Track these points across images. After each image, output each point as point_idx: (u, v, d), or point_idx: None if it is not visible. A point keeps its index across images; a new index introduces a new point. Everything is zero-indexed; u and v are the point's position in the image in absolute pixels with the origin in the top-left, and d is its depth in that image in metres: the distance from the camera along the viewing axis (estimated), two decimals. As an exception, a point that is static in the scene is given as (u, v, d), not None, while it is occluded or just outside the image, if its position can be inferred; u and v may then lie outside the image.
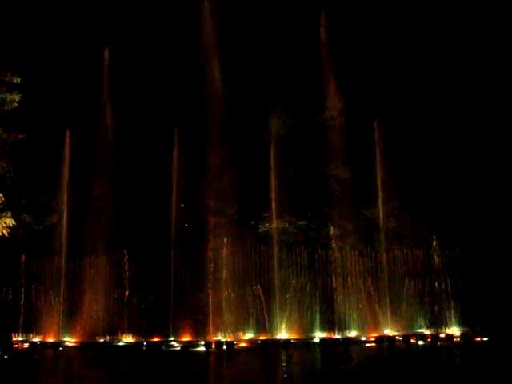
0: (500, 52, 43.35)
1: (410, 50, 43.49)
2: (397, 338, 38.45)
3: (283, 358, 30.22)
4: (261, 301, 39.56)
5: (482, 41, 43.47)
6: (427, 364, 25.72)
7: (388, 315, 40.12)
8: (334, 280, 40.34)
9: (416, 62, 43.42)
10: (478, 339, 37.82)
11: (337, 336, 39.07)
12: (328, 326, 39.92)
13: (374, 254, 41.58)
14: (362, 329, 39.90)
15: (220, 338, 36.88)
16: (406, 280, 40.30)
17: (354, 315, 40.25)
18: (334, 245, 41.99)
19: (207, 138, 41.90)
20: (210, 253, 39.84)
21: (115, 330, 38.58)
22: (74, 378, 22.27)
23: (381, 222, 42.88)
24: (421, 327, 39.97)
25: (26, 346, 36.34)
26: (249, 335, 38.72)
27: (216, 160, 41.51)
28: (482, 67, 43.18)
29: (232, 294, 39.17)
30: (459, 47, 43.52)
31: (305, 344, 37.10)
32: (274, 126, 44.77)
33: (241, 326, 38.76)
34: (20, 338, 37.29)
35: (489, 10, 43.31)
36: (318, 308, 40.01)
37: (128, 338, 38.38)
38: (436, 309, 40.17)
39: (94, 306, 38.70)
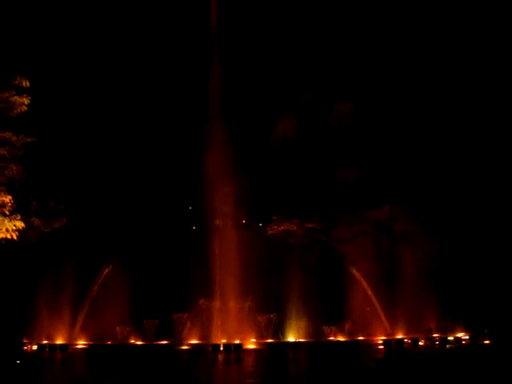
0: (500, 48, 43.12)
1: (419, 51, 43.36)
2: (405, 340, 38.42)
3: (291, 360, 30.33)
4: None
5: (480, 39, 43.26)
6: (434, 367, 25.71)
7: (397, 318, 40.00)
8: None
9: (425, 64, 43.29)
10: (487, 342, 37.79)
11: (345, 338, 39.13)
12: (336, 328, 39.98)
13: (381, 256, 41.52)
14: (370, 331, 39.90)
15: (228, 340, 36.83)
16: (414, 283, 40.18)
17: (363, 318, 40.23)
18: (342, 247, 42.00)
19: (215, 140, 41.91)
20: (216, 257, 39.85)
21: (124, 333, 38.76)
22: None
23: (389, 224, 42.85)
24: (429, 330, 39.84)
25: (34, 347, 36.42)
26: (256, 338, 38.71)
27: (224, 163, 41.51)
28: (482, 66, 42.99)
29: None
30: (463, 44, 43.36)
31: (313, 346, 37.11)
32: (283, 128, 44.75)
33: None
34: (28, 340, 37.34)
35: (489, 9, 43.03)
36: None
37: (137, 341, 38.47)
38: (444, 312, 40.01)
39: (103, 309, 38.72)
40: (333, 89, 44.40)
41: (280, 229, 42.89)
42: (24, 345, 34.91)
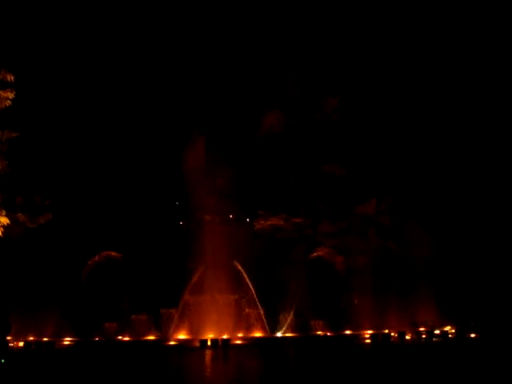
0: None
1: (408, 48, 43.44)
2: (392, 334, 38.55)
3: (279, 356, 30.40)
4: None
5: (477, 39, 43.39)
6: (417, 360, 25.95)
7: (384, 312, 40.08)
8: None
9: (415, 61, 43.36)
10: (473, 335, 38.04)
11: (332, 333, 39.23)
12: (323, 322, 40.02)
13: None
14: (357, 325, 39.98)
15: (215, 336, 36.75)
16: (402, 277, 40.31)
17: (350, 312, 40.34)
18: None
19: (202, 135, 41.74)
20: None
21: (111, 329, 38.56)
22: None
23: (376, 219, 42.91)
24: (415, 324, 39.97)
25: (21, 344, 36.10)
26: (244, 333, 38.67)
27: (211, 157, 41.36)
28: (478, 67, 43.13)
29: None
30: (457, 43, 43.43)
31: (300, 341, 37.17)
32: (269, 123, 44.62)
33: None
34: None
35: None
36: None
37: (124, 337, 38.29)
38: (432, 306, 40.15)
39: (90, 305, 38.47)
40: (320, 83, 44.33)
41: (267, 223, 42.83)
42: (10, 342, 34.57)
